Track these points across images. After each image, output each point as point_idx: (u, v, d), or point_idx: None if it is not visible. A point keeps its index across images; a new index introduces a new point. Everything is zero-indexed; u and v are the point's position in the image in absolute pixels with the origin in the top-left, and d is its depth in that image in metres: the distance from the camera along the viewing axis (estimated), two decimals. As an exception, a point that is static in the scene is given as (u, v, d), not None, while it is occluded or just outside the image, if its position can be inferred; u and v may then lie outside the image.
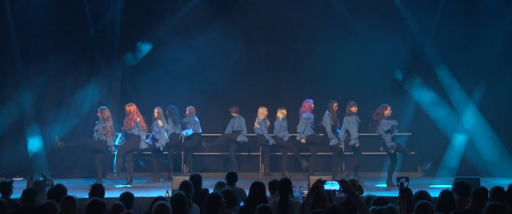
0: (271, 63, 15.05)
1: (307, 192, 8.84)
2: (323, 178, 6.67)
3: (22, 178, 12.81)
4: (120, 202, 6.27)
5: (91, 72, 14.12)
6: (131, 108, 12.37)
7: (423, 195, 6.44)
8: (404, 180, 5.79)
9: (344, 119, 12.63)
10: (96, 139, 12.29)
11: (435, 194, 6.85)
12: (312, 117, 13.27)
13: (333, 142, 12.75)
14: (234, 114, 13.96)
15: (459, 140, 13.83)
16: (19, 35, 14.05)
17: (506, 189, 6.86)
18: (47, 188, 8.60)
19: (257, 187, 6.85)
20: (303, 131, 13.23)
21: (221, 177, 9.49)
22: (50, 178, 10.47)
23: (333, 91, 13.79)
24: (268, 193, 7.49)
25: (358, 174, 12.56)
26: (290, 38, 14.90)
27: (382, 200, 6.10)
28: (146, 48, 14.47)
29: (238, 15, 14.79)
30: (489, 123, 13.86)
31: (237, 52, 14.41)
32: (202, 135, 13.85)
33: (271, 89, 14.99)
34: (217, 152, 14.42)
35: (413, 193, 6.45)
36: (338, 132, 12.73)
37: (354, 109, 12.53)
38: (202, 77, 14.55)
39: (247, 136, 13.85)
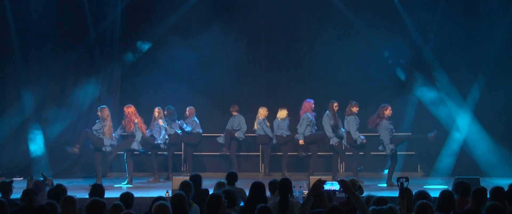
0: (271, 63, 15.04)
1: (307, 192, 8.84)
2: (323, 178, 6.68)
3: (22, 178, 12.82)
4: (120, 202, 6.27)
5: (91, 72, 14.08)
6: (129, 109, 12.31)
7: (423, 195, 6.45)
8: (404, 180, 5.80)
9: (345, 119, 12.61)
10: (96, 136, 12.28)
11: (434, 194, 6.85)
12: (313, 117, 13.24)
13: (332, 141, 12.74)
14: (234, 113, 13.98)
15: (458, 140, 13.82)
16: (19, 35, 14.03)
17: (506, 189, 6.86)
18: (47, 188, 8.60)
19: (257, 187, 6.85)
20: (303, 132, 13.21)
21: (221, 177, 9.50)
22: (50, 178, 10.45)
23: (333, 91, 13.78)
24: (268, 193, 7.49)
25: (358, 174, 12.55)
26: (290, 38, 14.89)
27: (382, 200, 6.10)
28: (146, 47, 14.48)
29: (238, 15, 14.79)
30: (489, 123, 13.83)
31: (237, 52, 14.41)
32: (202, 134, 13.85)
33: (271, 89, 14.98)
34: (217, 152, 14.41)
35: (413, 193, 6.46)
36: (342, 131, 12.69)
37: (355, 109, 12.50)
38: (202, 77, 14.55)
39: (245, 135, 13.88)
